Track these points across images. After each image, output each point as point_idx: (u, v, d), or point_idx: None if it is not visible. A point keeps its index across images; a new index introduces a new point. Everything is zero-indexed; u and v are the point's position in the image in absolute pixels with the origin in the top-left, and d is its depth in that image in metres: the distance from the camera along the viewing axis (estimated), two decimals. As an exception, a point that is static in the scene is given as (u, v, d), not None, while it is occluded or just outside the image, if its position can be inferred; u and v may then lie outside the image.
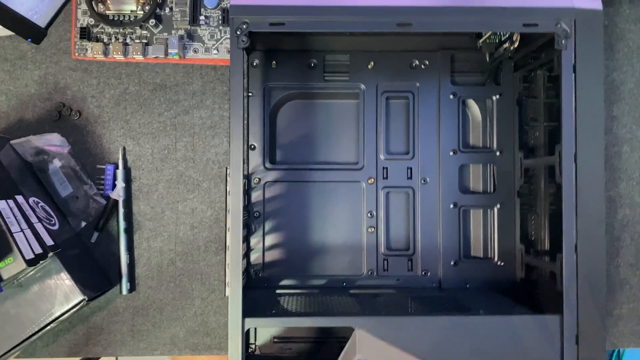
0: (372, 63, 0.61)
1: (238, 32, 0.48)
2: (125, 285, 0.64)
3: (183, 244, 0.65)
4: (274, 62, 0.61)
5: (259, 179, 0.60)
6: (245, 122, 0.60)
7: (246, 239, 0.59)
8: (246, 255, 0.60)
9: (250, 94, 0.60)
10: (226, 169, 0.48)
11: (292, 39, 0.58)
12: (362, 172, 0.61)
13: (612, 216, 0.65)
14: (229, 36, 0.65)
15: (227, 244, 0.48)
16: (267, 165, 0.60)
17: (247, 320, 0.47)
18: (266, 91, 0.61)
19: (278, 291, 0.58)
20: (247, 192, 0.60)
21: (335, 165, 0.61)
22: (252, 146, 0.60)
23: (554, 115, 0.52)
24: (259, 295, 0.57)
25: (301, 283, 0.61)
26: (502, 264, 0.61)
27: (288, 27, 0.48)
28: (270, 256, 0.61)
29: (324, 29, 0.49)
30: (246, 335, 0.48)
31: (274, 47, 0.60)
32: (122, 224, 0.64)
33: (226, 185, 0.48)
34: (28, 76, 0.65)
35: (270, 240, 0.61)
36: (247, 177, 0.60)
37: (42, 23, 0.63)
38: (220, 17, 0.64)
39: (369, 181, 0.61)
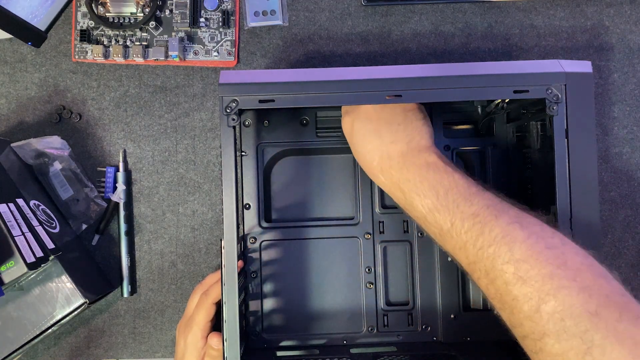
0: None
1: (228, 111, 0.48)
2: (126, 287, 0.64)
3: (184, 246, 0.65)
4: (267, 121, 0.60)
5: (255, 239, 0.60)
6: (240, 182, 0.60)
7: (244, 301, 0.59)
8: (244, 318, 0.59)
9: (243, 154, 0.60)
10: (221, 240, 0.48)
11: None
12: (359, 227, 0.61)
13: (613, 217, 0.65)
14: (229, 38, 0.65)
15: (224, 319, 0.48)
16: (263, 224, 0.60)
17: None
18: (259, 149, 0.60)
19: (278, 353, 0.57)
20: (242, 254, 0.58)
21: (332, 221, 0.61)
22: (247, 205, 0.60)
23: (549, 165, 0.52)
24: (259, 359, 0.57)
25: (301, 343, 0.60)
26: None
27: (278, 104, 0.48)
28: (269, 316, 0.60)
29: (314, 104, 0.49)
30: None
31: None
32: (122, 227, 0.64)
33: (221, 258, 0.48)
34: (28, 79, 0.65)
35: (268, 300, 0.60)
36: (243, 238, 0.60)
37: (42, 26, 0.63)
38: (220, 19, 0.64)
39: (366, 236, 0.60)
